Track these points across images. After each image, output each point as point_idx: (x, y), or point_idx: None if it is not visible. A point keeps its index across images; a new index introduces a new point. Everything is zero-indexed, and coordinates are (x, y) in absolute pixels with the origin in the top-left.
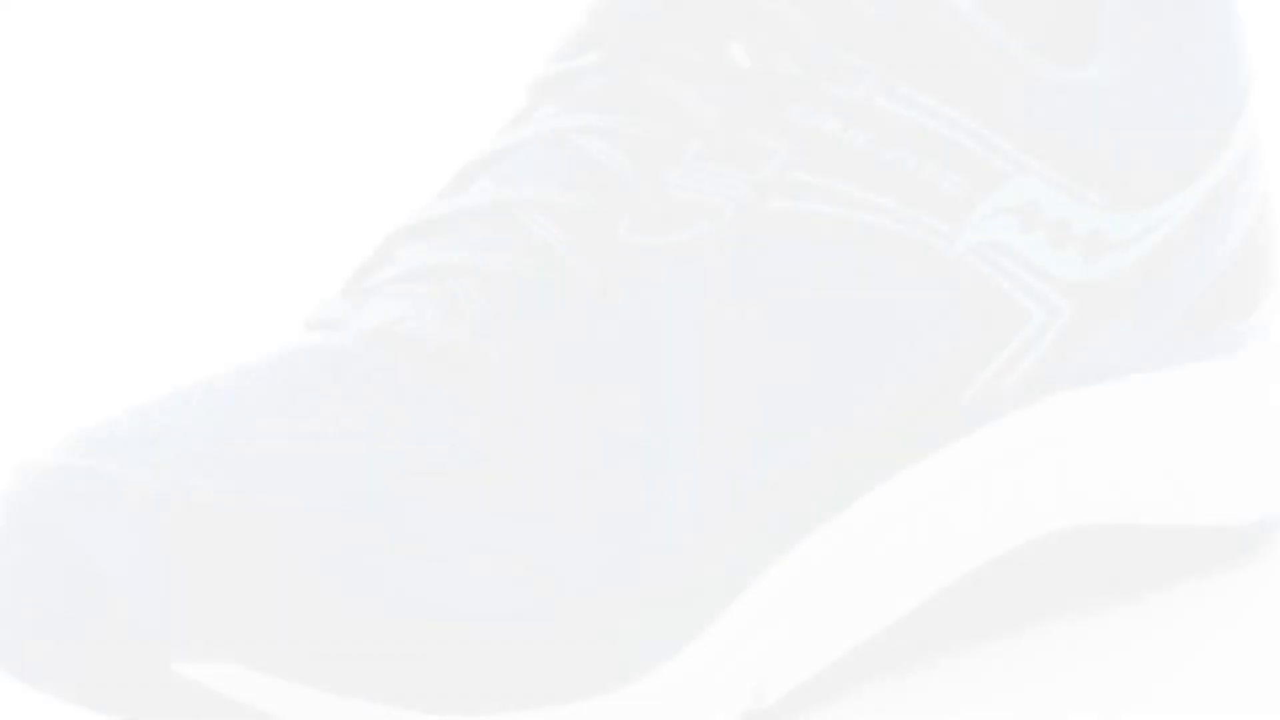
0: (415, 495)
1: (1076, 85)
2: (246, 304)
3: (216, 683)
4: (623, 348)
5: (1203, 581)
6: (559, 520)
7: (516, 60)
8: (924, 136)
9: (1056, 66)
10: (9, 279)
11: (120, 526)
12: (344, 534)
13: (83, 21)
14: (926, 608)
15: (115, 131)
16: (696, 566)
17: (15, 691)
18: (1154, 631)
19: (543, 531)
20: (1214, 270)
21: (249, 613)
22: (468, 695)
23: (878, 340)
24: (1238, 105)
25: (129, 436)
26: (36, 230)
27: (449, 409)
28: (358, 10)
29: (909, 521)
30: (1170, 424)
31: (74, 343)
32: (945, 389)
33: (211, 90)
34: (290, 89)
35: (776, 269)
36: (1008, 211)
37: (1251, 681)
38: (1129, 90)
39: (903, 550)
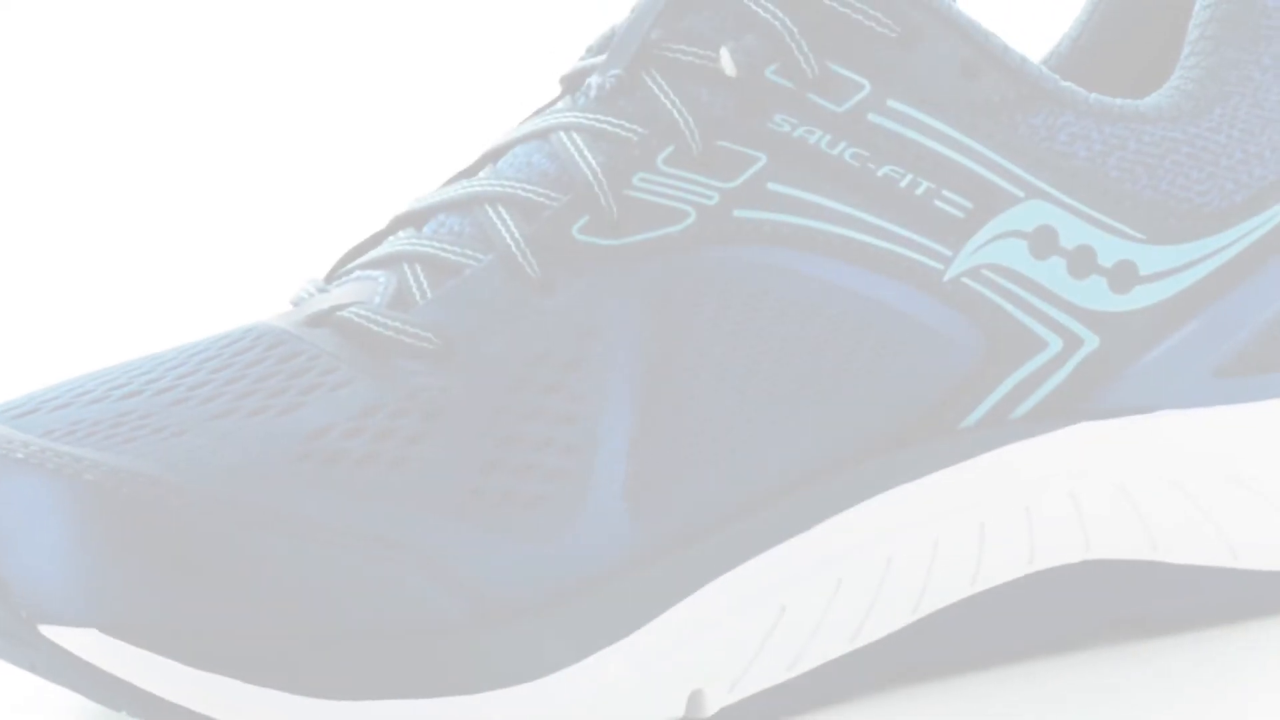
0: (306, 479)
1: (1121, 115)
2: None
3: (80, 648)
4: (558, 347)
5: (1243, 626)
6: (465, 516)
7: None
8: (920, 155)
9: (1100, 95)
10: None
11: (6, 489)
12: (221, 510)
13: (81, 14)
14: (917, 633)
15: (116, 128)
16: (621, 571)
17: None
18: (1177, 671)
19: (445, 526)
20: (1273, 313)
21: (115, 581)
22: (334, 679)
23: (853, 358)
24: None
25: (42, 405)
26: (36, 229)
27: (367, 396)
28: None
29: (890, 543)
30: (1214, 463)
31: (76, 336)
32: (941, 411)
33: (225, 85)
34: (313, 80)
35: (738, 279)
36: (1016, 236)
37: None
38: (1184, 123)
39: (880, 572)
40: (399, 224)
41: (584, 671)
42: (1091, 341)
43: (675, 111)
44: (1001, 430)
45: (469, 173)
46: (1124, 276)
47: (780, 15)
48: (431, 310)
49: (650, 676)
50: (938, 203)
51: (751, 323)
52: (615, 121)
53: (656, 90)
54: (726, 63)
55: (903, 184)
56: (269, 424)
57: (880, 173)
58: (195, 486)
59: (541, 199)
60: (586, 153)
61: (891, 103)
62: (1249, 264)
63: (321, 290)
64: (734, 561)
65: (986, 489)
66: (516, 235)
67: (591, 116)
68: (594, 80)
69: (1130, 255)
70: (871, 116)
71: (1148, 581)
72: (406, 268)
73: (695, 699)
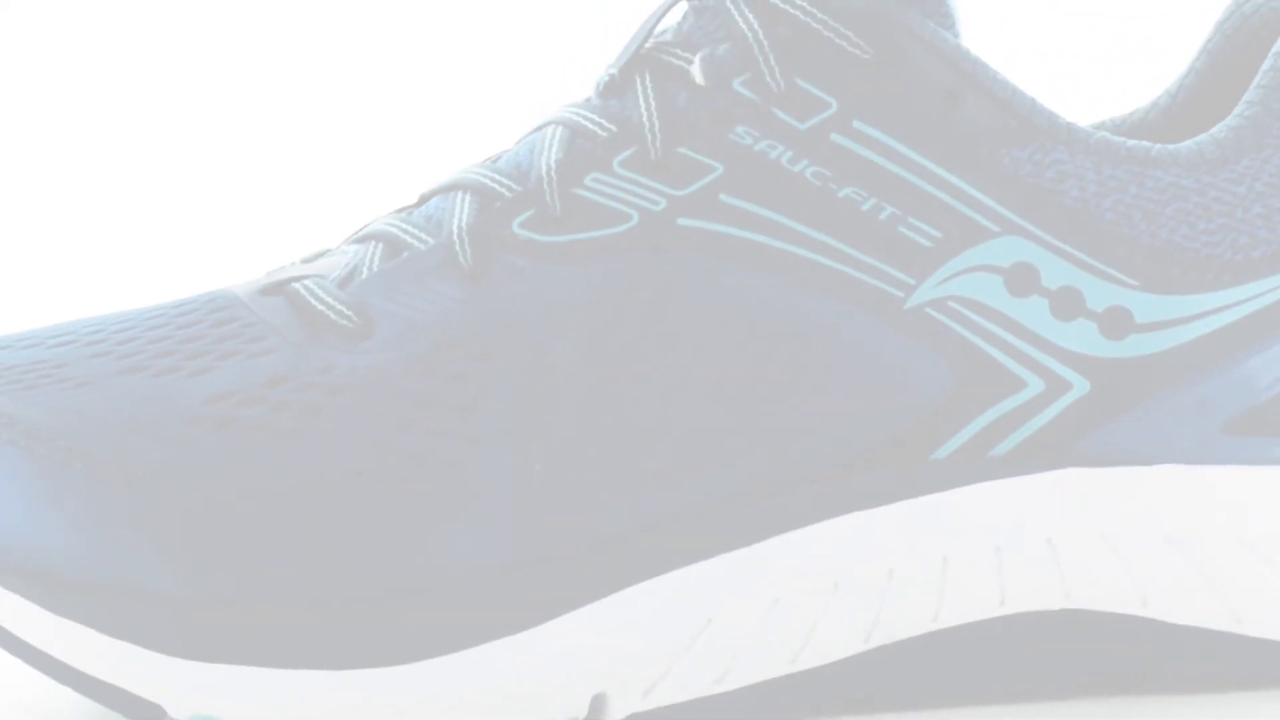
0: (190, 441)
1: (1128, 157)
2: None
3: None
4: (471, 337)
5: (1245, 695)
6: (345, 494)
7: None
8: (885, 180)
9: (1109, 135)
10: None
11: None
12: (78, 461)
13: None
14: (871, 662)
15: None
16: (513, 568)
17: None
18: None
19: (323, 502)
20: None
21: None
22: (187, 640)
23: (797, 379)
24: None
25: None
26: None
27: (280, 367)
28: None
29: (838, 569)
30: (1221, 524)
31: None
32: (907, 441)
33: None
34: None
35: (670, 288)
36: (990, 271)
37: None
38: (1200, 171)
39: (825, 596)
40: (412, 204)
41: (462, 662)
42: (1081, 386)
43: (645, 114)
44: (978, 466)
45: (494, 159)
46: (1118, 323)
47: (755, 27)
48: (362, 289)
49: (545, 676)
50: (902, 229)
51: (683, 334)
52: (595, 119)
53: (639, 91)
54: (696, 71)
55: (865, 207)
56: (173, 384)
57: (841, 194)
58: (65, 437)
59: (502, 189)
60: (553, 147)
61: (858, 124)
62: (1273, 321)
63: (306, 260)
64: (653, 570)
65: (952, 524)
66: (462, 223)
67: (580, 112)
68: (599, 80)
69: (1124, 302)
70: (834, 136)
71: (1138, 638)
72: (371, 245)
73: (598, 702)
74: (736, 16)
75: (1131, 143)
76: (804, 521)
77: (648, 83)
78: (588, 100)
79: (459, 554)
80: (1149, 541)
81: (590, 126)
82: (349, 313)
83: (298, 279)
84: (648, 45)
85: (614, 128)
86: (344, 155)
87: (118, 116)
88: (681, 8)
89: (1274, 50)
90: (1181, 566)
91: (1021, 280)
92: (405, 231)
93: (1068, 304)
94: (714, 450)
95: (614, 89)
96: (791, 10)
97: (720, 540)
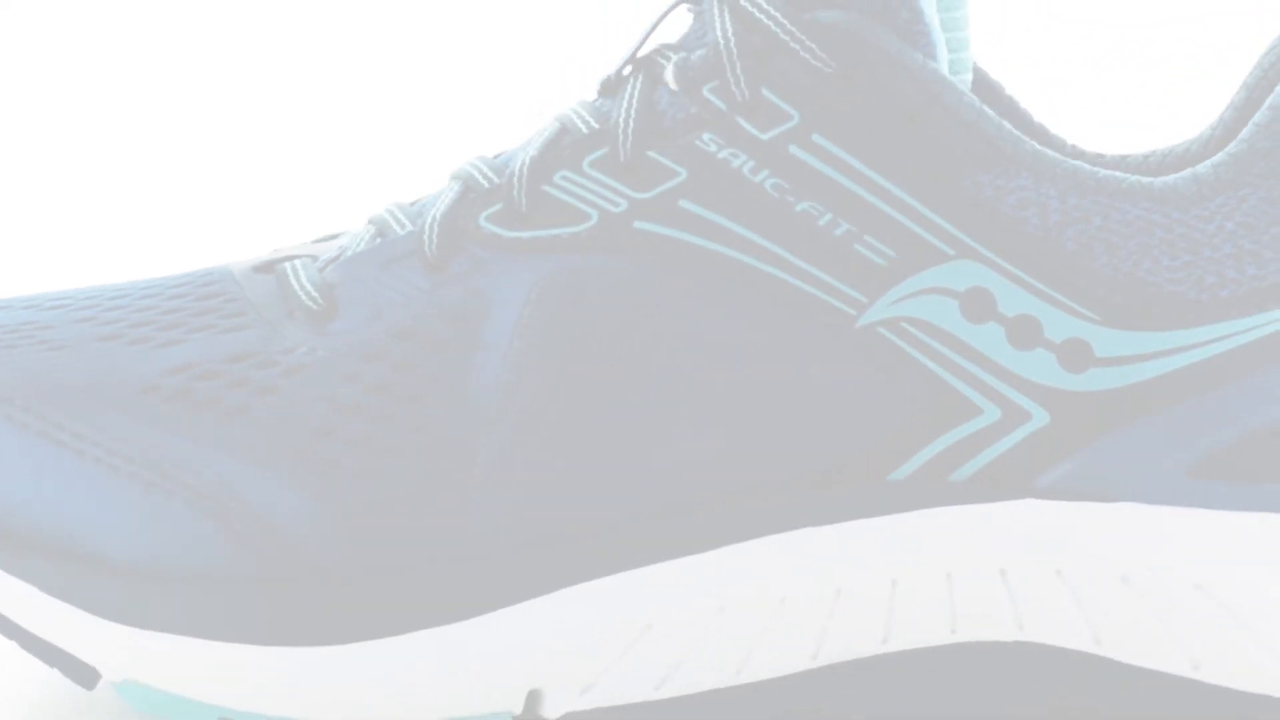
0: (142, 408)
1: (1097, 188)
2: None
3: None
4: (426, 327)
5: None
6: (283, 475)
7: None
8: (841, 196)
9: (1082, 164)
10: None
11: None
12: (33, 421)
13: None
14: (820, 679)
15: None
16: (456, 561)
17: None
18: None
19: (259, 481)
20: (1268, 422)
21: None
22: (117, 604)
23: (741, 389)
24: None
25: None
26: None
27: (246, 344)
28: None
29: (786, 583)
30: (1179, 567)
31: None
32: (863, 460)
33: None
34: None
35: (621, 290)
36: (946, 294)
37: None
38: (1171, 205)
39: (771, 609)
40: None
41: (396, 647)
42: (1041, 417)
43: (622, 115)
44: (937, 490)
45: (501, 152)
46: (1077, 355)
47: (730, 34)
48: (334, 271)
49: (481, 667)
50: (858, 246)
51: (630, 335)
52: (584, 117)
53: (627, 92)
54: (669, 75)
55: (821, 222)
56: (140, 353)
57: (799, 208)
58: (24, 397)
59: (484, 181)
60: (536, 143)
61: (817, 138)
62: (1242, 365)
63: (319, 240)
64: (595, 572)
65: (904, 547)
66: (438, 212)
67: (577, 109)
68: (607, 75)
69: (1082, 334)
70: (793, 149)
71: (1094, 675)
72: (366, 228)
73: (533, 698)
74: (715, 22)
75: (1104, 173)
76: (754, 534)
77: (638, 84)
78: (592, 99)
79: (398, 542)
80: (1104, 580)
81: (578, 124)
82: (316, 294)
83: (291, 258)
84: (648, 46)
85: (596, 126)
86: (363, 147)
87: (158, 104)
88: (669, 8)
89: (1273, 100)
90: (1136, 608)
91: (977, 306)
92: (394, 217)
93: (1025, 333)
94: (661, 456)
95: (610, 88)
96: (765, 20)
97: (666, 546)
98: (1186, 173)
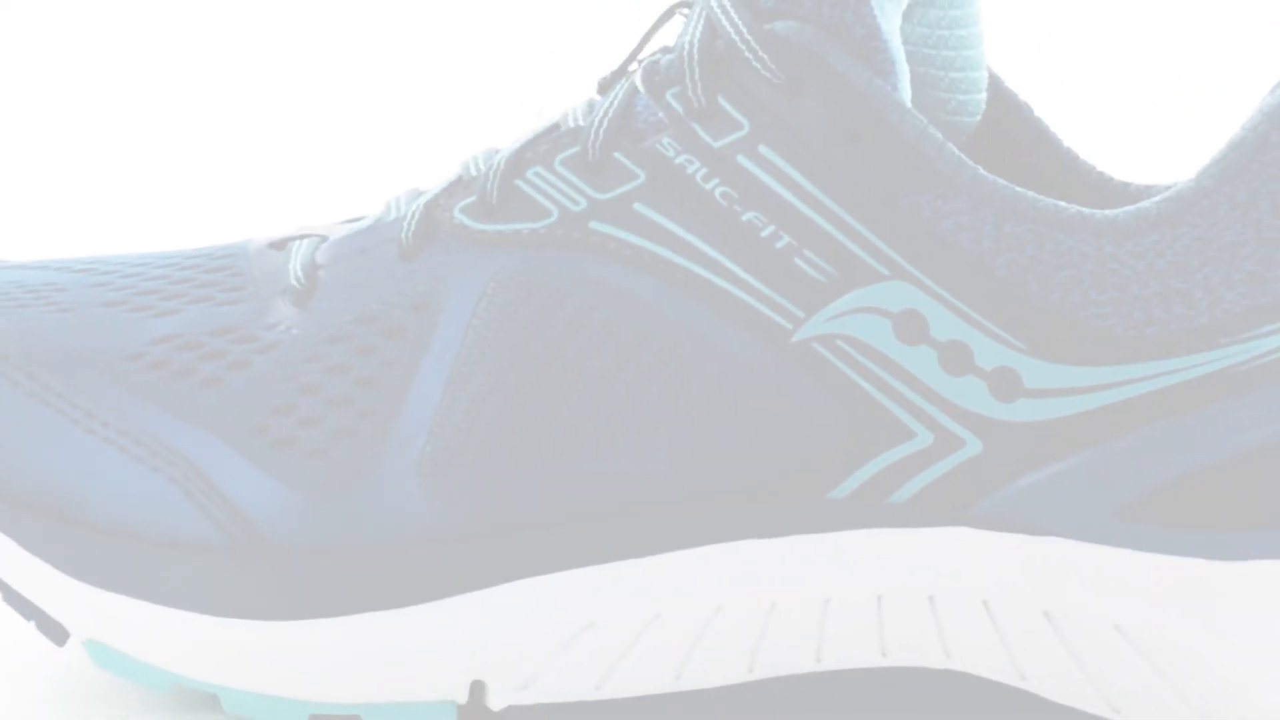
0: (124, 375)
1: (1035, 216)
2: None
3: None
4: (388, 313)
5: None
6: (243, 449)
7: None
8: (783, 209)
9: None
10: None
11: None
12: (22, 380)
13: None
14: (757, 692)
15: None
16: (405, 545)
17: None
18: None
19: (223, 454)
20: (1207, 463)
21: None
22: (88, 565)
23: (682, 396)
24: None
25: (43, 264)
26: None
27: (234, 318)
28: None
29: (723, 594)
30: (1100, 608)
31: None
32: (802, 476)
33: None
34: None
35: (571, 288)
36: (880, 315)
37: None
38: (1106, 239)
39: (706, 618)
40: None
41: (341, 627)
42: (974, 445)
43: (598, 114)
44: (876, 511)
45: None
46: (1007, 385)
47: (695, 39)
48: (323, 252)
49: (425, 654)
50: (797, 260)
51: (576, 335)
52: (576, 115)
53: (614, 93)
54: (638, 78)
55: (764, 234)
56: (136, 320)
57: (744, 217)
58: (19, 354)
59: (475, 174)
60: (524, 138)
61: (764, 149)
62: (1172, 406)
63: (346, 221)
64: (538, 568)
65: (838, 566)
66: (424, 200)
67: (576, 107)
68: (607, 75)
69: (1012, 364)
70: (740, 159)
71: (1023, 709)
72: (375, 213)
73: (477, 688)
74: (689, 27)
75: (1045, 201)
76: (693, 542)
77: (626, 84)
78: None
79: (346, 524)
80: (1028, 614)
81: (568, 121)
82: (300, 274)
83: (301, 237)
84: (651, 48)
85: (578, 125)
86: (426, 131)
87: (200, 91)
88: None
89: (1231, 139)
90: (1056, 645)
91: (910, 328)
92: (394, 202)
93: (957, 358)
94: (601, 459)
95: (604, 87)
96: (729, 27)
97: (606, 548)
98: (1133, 207)
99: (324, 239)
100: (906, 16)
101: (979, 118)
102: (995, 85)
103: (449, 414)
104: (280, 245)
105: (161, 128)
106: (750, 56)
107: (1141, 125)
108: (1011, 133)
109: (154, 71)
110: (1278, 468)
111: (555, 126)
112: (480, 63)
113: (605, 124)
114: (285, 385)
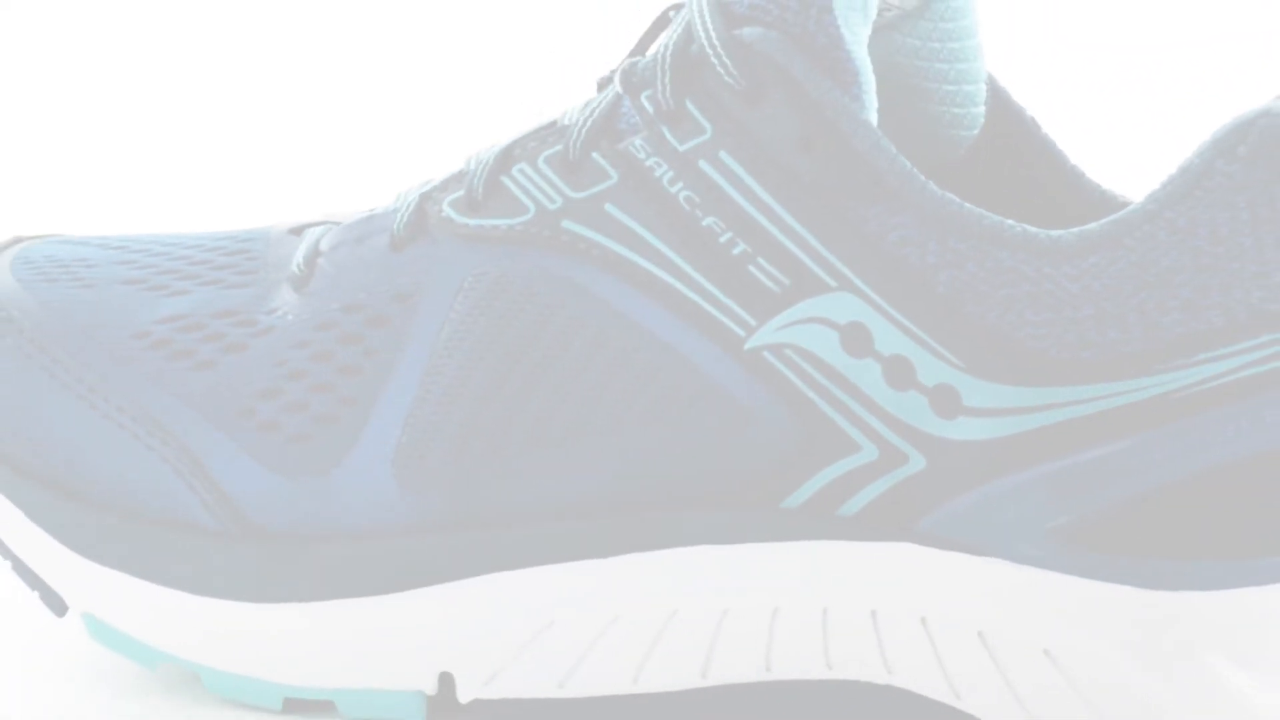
0: (129, 354)
1: (978, 233)
2: None
3: None
4: (372, 302)
5: None
6: (230, 432)
7: None
8: (739, 216)
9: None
10: None
11: None
12: (36, 355)
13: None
14: (712, 698)
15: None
16: (377, 534)
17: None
18: None
19: (212, 436)
20: (1139, 491)
21: None
22: (84, 536)
23: (639, 398)
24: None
25: (87, 239)
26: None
27: (239, 301)
28: None
29: (678, 598)
30: (1031, 632)
31: None
32: (756, 484)
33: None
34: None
35: (538, 286)
36: (828, 325)
37: None
38: (1045, 260)
39: (661, 623)
40: None
41: (317, 613)
42: (917, 461)
43: (584, 113)
44: (826, 524)
45: None
46: (947, 402)
47: (670, 45)
48: (326, 240)
49: (396, 643)
50: (752, 268)
51: (543, 333)
52: (572, 112)
53: (605, 92)
54: (616, 80)
55: (722, 240)
56: (148, 300)
57: (704, 222)
58: (35, 329)
59: (469, 169)
60: (516, 135)
61: (724, 155)
62: (1106, 432)
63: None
64: (502, 564)
65: (787, 576)
66: (417, 193)
67: (575, 105)
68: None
69: (952, 381)
70: (702, 163)
71: None
72: (385, 203)
73: (445, 680)
74: (671, 29)
75: (991, 219)
76: (651, 545)
77: (595, 94)
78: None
79: (324, 510)
80: (963, 634)
81: (562, 120)
82: (301, 260)
83: (319, 224)
84: (614, 62)
85: (549, 124)
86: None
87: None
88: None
89: (1181, 163)
90: (989, 667)
91: (856, 341)
92: (399, 194)
93: (900, 373)
94: (565, 456)
95: (600, 86)
96: (700, 31)
97: (566, 547)
98: (1080, 228)
99: (339, 224)
100: (897, 28)
101: (976, 132)
102: (1001, 98)
103: (422, 406)
104: (298, 231)
105: (212, 113)
106: (715, 61)
107: (1150, 137)
108: (1015, 146)
109: (213, 65)
110: (1205, 500)
111: (551, 124)
112: (517, 57)
113: (589, 124)
114: (274, 370)
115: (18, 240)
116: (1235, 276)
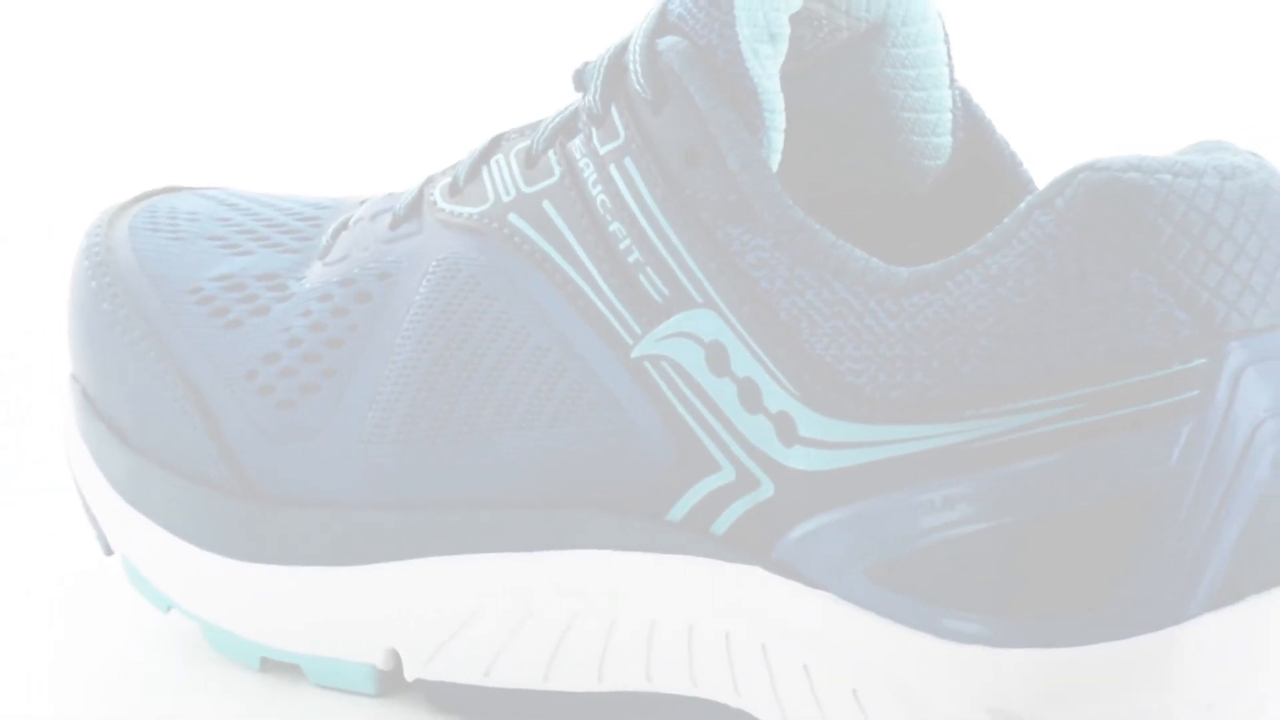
0: (183, 311)
1: (824, 262)
2: None
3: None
4: (362, 278)
5: None
6: (236, 394)
7: None
8: (633, 224)
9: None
10: None
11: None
12: (120, 306)
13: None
14: (610, 703)
15: None
16: (346, 507)
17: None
18: None
19: (227, 395)
20: (936, 539)
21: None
22: (126, 479)
23: (548, 398)
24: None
25: (216, 190)
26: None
27: (284, 265)
28: None
29: (576, 601)
30: (843, 669)
31: None
32: (643, 494)
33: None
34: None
35: (480, 277)
36: (695, 342)
37: None
38: (874, 295)
39: (563, 625)
40: None
41: (291, 577)
42: (768, 488)
43: (548, 119)
44: (700, 540)
45: None
46: (786, 429)
47: (610, 50)
48: (355, 214)
49: (353, 615)
50: (641, 277)
51: (478, 324)
52: (559, 110)
53: (562, 101)
54: (575, 80)
55: (621, 246)
56: (216, 257)
57: (611, 228)
58: (113, 275)
59: (452, 167)
60: (496, 136)
61: (628, 161)
62: (915, 475)
63: None
64: (445, 548)
65: (664, 590)
66: (410, 191)
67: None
68: None
69: (789, 409)
70: (612, 168)
71: None
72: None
73: (391, 656)
74: (627, 35)
75: (842, 248)
76: (561, 544)
77: (573, 97)
78: None
79: (301, 476)
80: (791, 667)
81: (550, 115)
82: (330, 232)
83: (345, 214)
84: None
85: (527, 125)
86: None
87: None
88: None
89: (1016, 209)
90: (810, 702)
91: (718, 360)
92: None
93: (751, 396)
94: (490, 447)
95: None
96: (636, 37)
97: (487, 539)
98: (923, 266)
99: (382, 200)
100: (855, 52)
101: (941, 162)
102: (975, 119)
103: (384, 385)
104: (362, 203)
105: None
106: (631, 68)
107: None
108: (988, 167)
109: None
110: (1012, 554)
111: (530, 124)
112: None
113: (554, 121)
114: (279, 335)
115: (171, 189)
116: (1037, 331)
